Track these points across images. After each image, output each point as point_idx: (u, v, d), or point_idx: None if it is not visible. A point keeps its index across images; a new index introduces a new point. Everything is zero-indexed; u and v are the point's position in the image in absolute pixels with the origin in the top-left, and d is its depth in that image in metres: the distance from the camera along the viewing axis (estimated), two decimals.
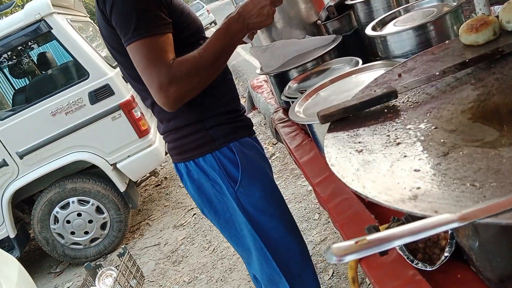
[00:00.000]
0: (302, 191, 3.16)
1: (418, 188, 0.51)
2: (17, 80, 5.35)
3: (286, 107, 1.73)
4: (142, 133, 3.44)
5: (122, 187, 3.49)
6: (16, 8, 7.05)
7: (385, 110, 0.75)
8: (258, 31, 1.64)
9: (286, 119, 1.67)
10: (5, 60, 4.18)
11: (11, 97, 4.47)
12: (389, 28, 1.26)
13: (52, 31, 3.23)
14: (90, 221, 3.54)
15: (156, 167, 3.90)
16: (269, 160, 2.12)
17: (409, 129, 0.66)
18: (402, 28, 1.17)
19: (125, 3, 1.05)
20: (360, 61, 1.31)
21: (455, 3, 1.15)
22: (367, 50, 1.55)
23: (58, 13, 3.32)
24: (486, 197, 0.45)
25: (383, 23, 1.32)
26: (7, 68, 4.46)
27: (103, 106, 3.33)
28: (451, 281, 0.67)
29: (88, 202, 3.52)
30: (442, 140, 0.60)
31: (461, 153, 0.55)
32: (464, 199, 0.46)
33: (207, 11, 21.33)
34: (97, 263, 3.19)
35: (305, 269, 1.40)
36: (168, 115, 1.24)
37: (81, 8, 4.20)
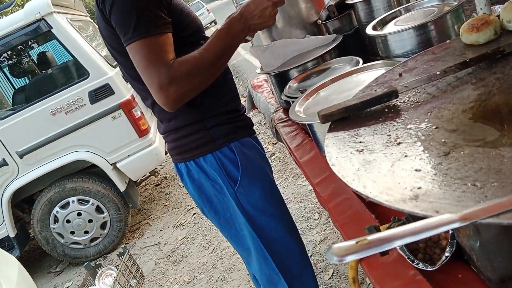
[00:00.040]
0: (302, 190, 3.16)
1: (419, 188, 0.51)
2: (17, 79, 5.36)
3: (286, 107, 1.72)
4: (142, 132, 3.44)
5: (122, 187, 3.48)
6: (16, 7, 7.06)
7: (386, 110, 0.75)
8: None
9: (287, 118, 1.66)
10: (5, 59, 4.18)
11: (11, 97, 4.47)
12: (390, 28, 1.26)
13: (52, 30, 3.23)
14: (90, 221, 3.54)
15: (156, 166, 3.89)
16: (269, 160, 2.12)
17: (410, 128, 0.66)
18: (402, 27, 1.16)
19: (124, 3, 1.04)
20: (361, 61, 1.30)
21: (456, 3, 1.15)
22: (367, 49, 1.55)
23: (58, 13, 3.32)
24: (487, 197, 0.45)
25: (383, 23, 1.32)
26: (7, 68, 4.46)
27: (103, 106, 3.33)
28: (452, 281, 0.67)
29: (88, 201, 3.52)
30: (443, 140, 0.60)
31: (462, 153, 0.55)
32: (465, 199, 0.46)
33: (207, 10, 21.32)
34: (97, 263, 3.19)
35: (304, 270, 1.40)
36: (169, 115, 1.24)
37: (81, 8, 4.20)
